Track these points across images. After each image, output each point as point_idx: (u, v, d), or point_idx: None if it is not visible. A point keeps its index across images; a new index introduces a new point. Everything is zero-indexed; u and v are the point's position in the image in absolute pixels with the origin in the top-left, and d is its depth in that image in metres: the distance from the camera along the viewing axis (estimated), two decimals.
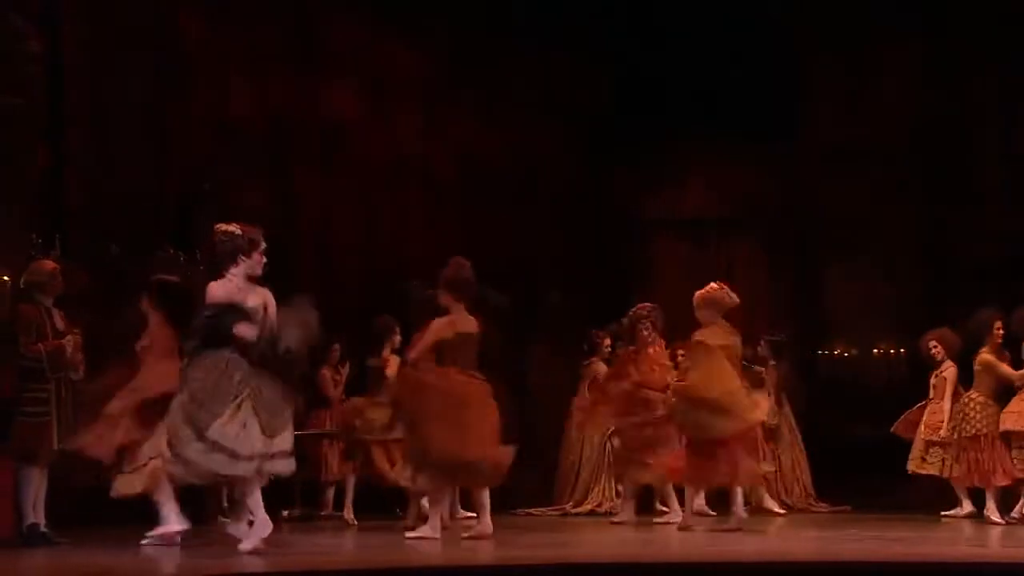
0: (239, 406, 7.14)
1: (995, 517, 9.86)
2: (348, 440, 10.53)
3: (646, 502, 10.76)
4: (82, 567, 7.15)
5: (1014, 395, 10.04)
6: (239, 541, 7.41)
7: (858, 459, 11.37)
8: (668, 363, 10.12)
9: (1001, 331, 10.08)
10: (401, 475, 9.60)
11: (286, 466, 7.41)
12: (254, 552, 7.21)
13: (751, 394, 9.45)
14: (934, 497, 10.78)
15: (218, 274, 7.43)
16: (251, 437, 7.15)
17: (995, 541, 8.46)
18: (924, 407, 10.85)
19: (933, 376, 10.83)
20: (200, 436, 7.10)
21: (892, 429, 10.99)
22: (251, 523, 7.46)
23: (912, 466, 10.80)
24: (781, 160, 14.29)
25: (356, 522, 10.40)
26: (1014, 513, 9.97)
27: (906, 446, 10.88)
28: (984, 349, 10.16)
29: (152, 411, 7.85)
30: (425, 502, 9.01)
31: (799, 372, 12.06)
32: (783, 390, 11.55)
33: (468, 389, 8.32)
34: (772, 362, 11.47)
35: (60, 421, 8.34)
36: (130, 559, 7.49)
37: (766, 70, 13.98)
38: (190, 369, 7.29)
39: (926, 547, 7.80)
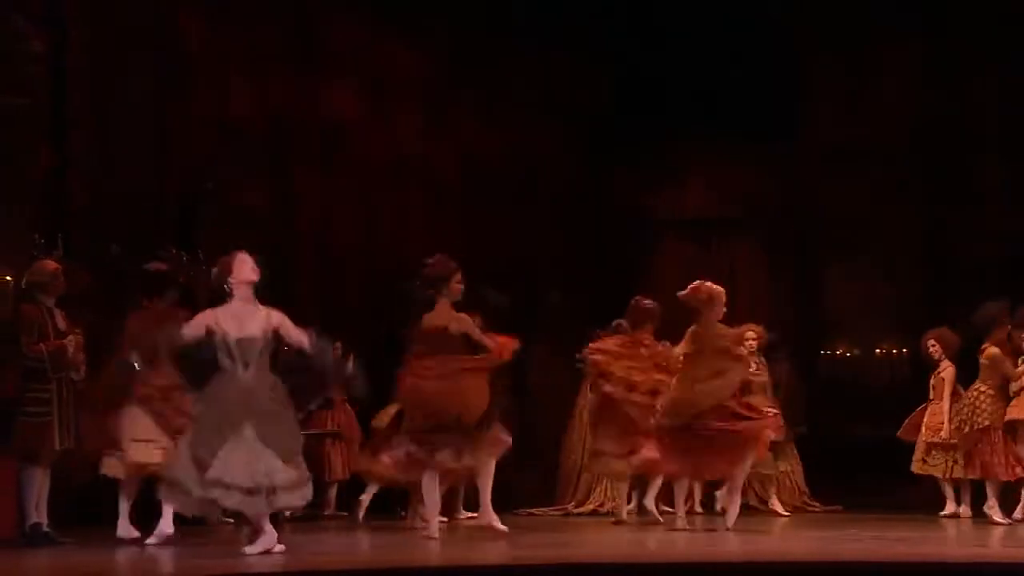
0: (241, 436, 7.14)
1: (997, 517, 9.83)
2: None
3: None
4: (84, 567, 7.16)
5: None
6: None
7: (859, 459, 11.38)
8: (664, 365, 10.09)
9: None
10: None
11: (297, 499, 7.37)
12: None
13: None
14: (935, 497, 10.78)
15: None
16: (253, 469, 7.12)
17: (996, 541, 8.45)
18: (925, 409, 10.87)
19: (932, 377, 10.85)
20: (201, 471, 7.11)
21: (898, 435, 11.00)
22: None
23: (915, 468, 10.82)
24: (781, 160, 14.29)
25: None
26: (1016, 513, 9.97)
27: (907, 447, 10.90)
28: (991, 343, 10.08)
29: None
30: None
31: (799, 372, 12.05)
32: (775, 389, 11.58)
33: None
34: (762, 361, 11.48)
35: (61, 421, 8.36)
36: (131, 559, 7.51)
37: (766, 70, 13.98)
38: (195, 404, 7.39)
39: (927, 547, 7.81)
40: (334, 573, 6.72)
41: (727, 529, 9.02)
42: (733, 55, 13.86)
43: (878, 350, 13.72)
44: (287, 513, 10.87)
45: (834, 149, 14.20)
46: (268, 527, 7.24)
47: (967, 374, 10.45)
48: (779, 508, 11.16)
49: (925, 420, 10.77)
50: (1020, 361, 9.98)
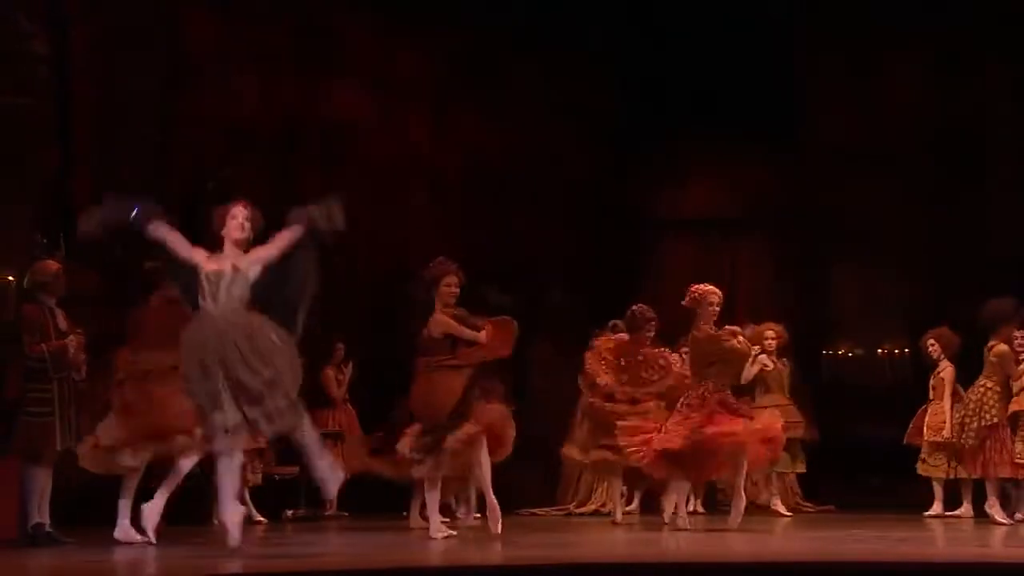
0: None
1: (999, 517, 9.80)
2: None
3: (651, 501, 10.76)
4: (87, 566, 7.17)
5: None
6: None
7: (861, 459, 11.36)
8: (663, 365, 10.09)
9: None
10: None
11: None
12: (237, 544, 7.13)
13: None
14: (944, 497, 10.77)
15: None
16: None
17: (999, 541, 8.43)
18: (926, 410, 10.84)
19: (932, 377, 10.82)
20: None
21: (904, 441, 10.98)
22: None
23: (920, 469, 10.80)
24: (785, 160, 14.27)
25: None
26: (1020, 514, 9.94)
27: (909, 447, 10.89)
28: (1000, 340, 10.00)
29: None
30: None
31: (802, 372, 12.03)
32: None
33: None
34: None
35: (63, 421, 8.38)
36: (133, 558, 7.51)
37: (770, 70, 13.98)
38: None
39: (931, 547, 7.80)
40: (334, 573, 6.71)
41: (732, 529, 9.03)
42: (737, 55, 13.86)
43: (881, 350, 13.70)
44: (289, 513, 10.93)
45: (838, 149, 14.19)
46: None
47: (966, 374, 10.42)
48: (781, 509, 11.14)
49: (927, 421, 10.75)
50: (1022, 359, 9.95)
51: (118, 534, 8.34)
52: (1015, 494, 10.17)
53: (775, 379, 11.32)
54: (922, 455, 10.77)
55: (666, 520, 9.62)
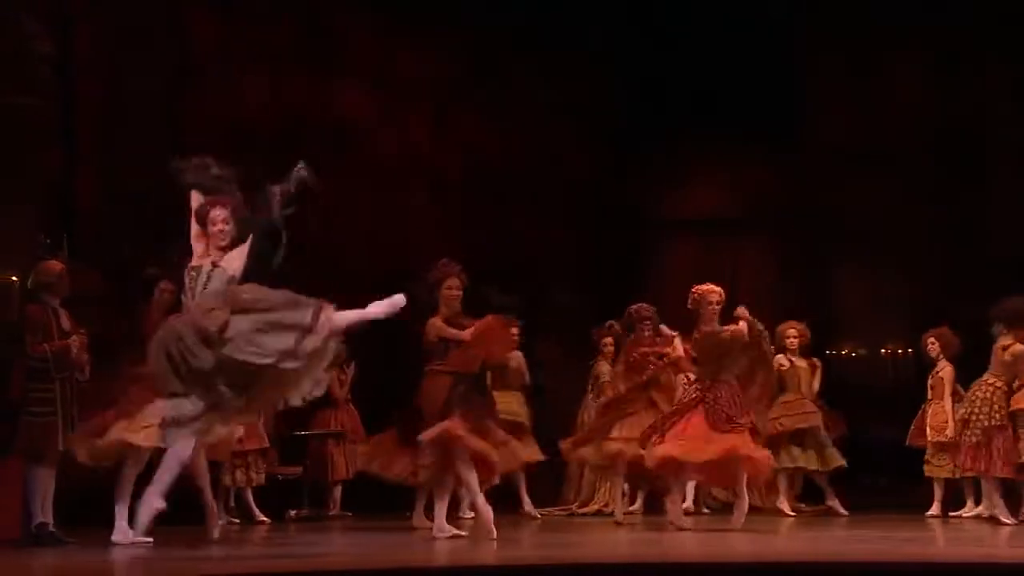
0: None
1: (1004, 517, 9.78)
2: None
3: (656, 501, 10.75)
4: (90, 566, 7.18)
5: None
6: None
7: (864, 459, 11.35)
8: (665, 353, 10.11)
9: None
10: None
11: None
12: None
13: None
14: (945, 497, 10.75)
15: None
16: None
17: (1004, 541, 8.41)
18: (924, 411, 10.83)
19: (930, 376, 10.81)
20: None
21: (907, 442, 10.98)
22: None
23: (926, 470, 10.79)
24: (790, 160, 14.28)
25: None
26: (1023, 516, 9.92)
27: (913, 448, 10.89)
28: (1017, 339, 9.87)
29: None
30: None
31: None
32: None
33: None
34: None
35: (65, 421, 8.38)
36: (136, 558, 7.51)
37: (772, 70, 13.99)
38: None
39: (935, 548, 7.80)
40: (335, 573, 6.71)
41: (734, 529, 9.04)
42: (737, 55, 13.88)
43: (884, 350, 13.70)
44: (292, 513, 10.94)
45: (841, 149, 14.20)
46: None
47: (965, 374, 10.42)
48: (785, 508, 11.13)
49: (928, 421, 10.73)
50: None
51: (116, 536, 8.33)
52: None
53: (791, 378, 11.34)
54: (927, 456, 10.76)
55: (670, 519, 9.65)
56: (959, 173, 13.76)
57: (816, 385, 11.42)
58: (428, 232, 13.13)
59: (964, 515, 10.46)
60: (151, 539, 8.19)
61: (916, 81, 14.16)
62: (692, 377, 10.70)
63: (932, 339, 10.78)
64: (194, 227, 7.47)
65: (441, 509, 8.61)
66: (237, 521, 10.29)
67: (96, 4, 10.80)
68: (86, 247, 9.94)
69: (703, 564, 6.91)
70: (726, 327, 9.23)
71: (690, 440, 9.08)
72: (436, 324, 8.61)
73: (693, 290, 9.33)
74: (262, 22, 12.30)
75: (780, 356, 11.25)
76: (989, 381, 9.91)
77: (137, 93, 11.07)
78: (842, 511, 11.05)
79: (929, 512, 10.63)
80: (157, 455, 8.11)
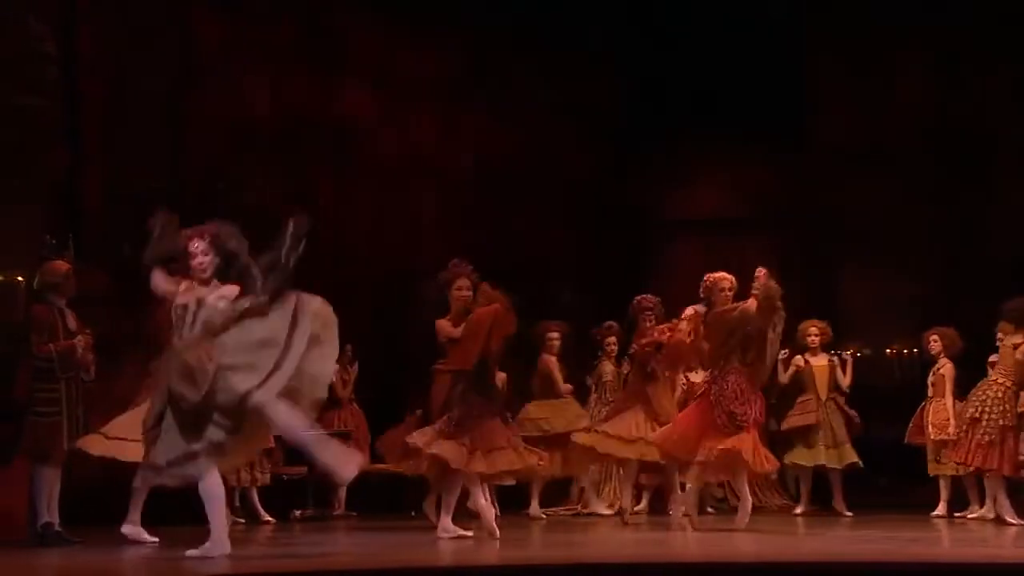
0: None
1: (1010, 517, 9.76)
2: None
3: (659, 502, 10.77)
4: (96, 566, 7.19)
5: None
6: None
7: (868, 459, 11.36)
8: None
9: None
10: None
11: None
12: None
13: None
14: (949, 497, 10.77)
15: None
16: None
17: (1010, 542, 8.40)
18: (924, 409, 10.85)
19: (931, 374, 10.83)
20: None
21: (905, 440, 11.00)
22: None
23: (932, 469, 10.80)
24: (794, 160, 14.28)
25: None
26: None
27: (916, 447, 10.90)
28: None
29: None
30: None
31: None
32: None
33: None
34: None
35: (71, 421, 8.39)
36: (140, 558, 7.52)
37: (773, 70, 13.99)
38: None
39: (941, 548, 7.82)
40: (343, 573, 6.72)
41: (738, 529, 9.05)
42: (739, 55, 13.89)
43: (889, 350, 13.71)
44: (297, 513, 10.95)
45: (841, 149, 14.21)
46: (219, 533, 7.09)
47: (966, 374, 10.43)
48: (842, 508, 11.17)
49: (930, 419, 10.74)
50: None
51: (126, 530, 8.34)
52: None
53: (807, 377, 11.36)
54: (933, 455, 10.76)
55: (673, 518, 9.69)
56: (959, 173, 13.76)
57: (846, 381, 11.43)
58: (429, 232, 13.14)
59: (969, 516, 10.46)
60: (156, 539, 8.22)
61: (916, 81, 14.17)
62: (691, 377, 10.78)
63: (935, 337, 10.79)
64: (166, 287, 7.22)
65: (447, 509, 8.61)
66: (242, 521, 10.30)
67: (100, 5, 10.80)
68: (91, 247, 9.94)
69: (708, 564, 6.93)
70: (735, 304, 9.23)
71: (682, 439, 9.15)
72: (439, 325, 8.61)
73: (705, 278, 9.36)
74: (265, 22, 12.32)
75: (797, 358, 11.32)
76: (999, 381, 9.84)
77: (141, 93, 11.09)
78: (846, 512, 11.06)
79: (935, 512, 10.65)
80: None
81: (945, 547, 8.01)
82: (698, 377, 10.68)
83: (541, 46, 14.04)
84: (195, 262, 7.15)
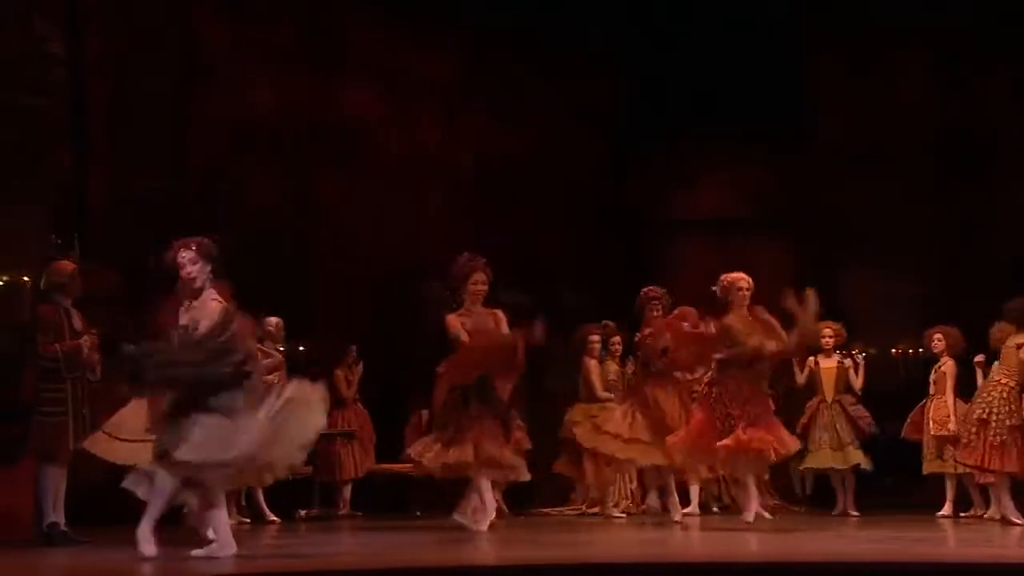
0: None
1: (1014, 517, 9.75)
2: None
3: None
4: (102, 565, 7.19)
5: None
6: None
7: (873, 459, 11.37)
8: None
9: None
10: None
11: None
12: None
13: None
14: (952, 496, 10.78)
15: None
16: None
17: (1015, 542, 8.40)
18: (924, 406, 10.87)
19: (933, 372, 10.84)
20: None
21: (902, 435, 11.02)
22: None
23: (928, 467, 10.81)
24: (795, 160, 14.28)
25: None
26: None
27: (908, 442, 10.94)
28: None
29: None
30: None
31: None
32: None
33: None
34: None
35: (76, 421, 8.39)
36: (147, 557, 7.51)
37: (773, 70, 13.99)
38: None
39: (945, 548, 7.82)
40: (347, 573, 6.72)
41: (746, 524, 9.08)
42: (739, 55, 13.88)
43: (895, 350, 13.74)
44: (302, 512, 10.97)
45: (842, 149, 14.21)
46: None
47: (966, 373, 10.44)
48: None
49: (930, 415, 10.76)
50: None
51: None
52: None
53: (816, 379, 11.39)
54: (933, 453, 10.77)
55: (676, 518, 9.70)
56: (959, 173, 13.77)
57: (859, 383, 11.44)
58: (429, 232, 13.16)
59: (983, 515, 10.45)
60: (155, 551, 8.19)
61: (916, 81, 14.18)
62: (690, 377, 10.77)
63: (939, 335, 10.81)
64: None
65: (468, 500, 8.64)
66: (248, 521, 10.30)
67: (106, 6, 10.81)
68: (97, 247, 9.95)
69: (711, 564, 6.92)
70: (749, 343, 9.13)
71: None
72: (452, 321, 8.56)
73: (722, 278, 9.30)
74: (267, 23, 12.33)
75: (810, 359, 11.35)
76: (1003, 382, 9.72)
77: (146, 93, 11.11)
78: (853, 513, 11.09)
79: (941, 512, 10.66)
80: None
81: (951, 548, 8.00)
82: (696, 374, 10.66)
83: (541, 46, 14.04)
84: (184, 273, 7.12)
